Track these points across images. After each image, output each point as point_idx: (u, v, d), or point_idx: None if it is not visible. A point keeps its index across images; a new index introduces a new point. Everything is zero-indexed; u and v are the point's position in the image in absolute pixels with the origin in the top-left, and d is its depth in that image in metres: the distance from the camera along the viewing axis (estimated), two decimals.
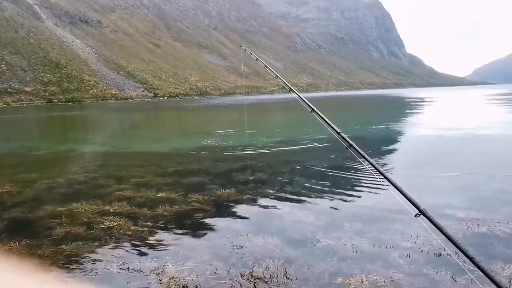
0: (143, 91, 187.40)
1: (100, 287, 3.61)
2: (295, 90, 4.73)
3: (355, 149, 3.34)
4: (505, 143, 12.61)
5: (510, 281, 3.39)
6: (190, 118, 37.16)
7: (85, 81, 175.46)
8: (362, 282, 3.47)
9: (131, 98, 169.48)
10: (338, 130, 3.58)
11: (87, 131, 27.35)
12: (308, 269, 3.75)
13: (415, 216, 2.43)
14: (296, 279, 3.57)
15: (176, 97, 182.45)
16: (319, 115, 3.87)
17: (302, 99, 4.33)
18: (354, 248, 4.21)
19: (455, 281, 3.44)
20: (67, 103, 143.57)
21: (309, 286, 3.47)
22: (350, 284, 3.44)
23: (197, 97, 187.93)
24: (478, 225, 4.72)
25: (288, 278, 3.58)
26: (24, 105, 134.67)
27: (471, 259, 2.07)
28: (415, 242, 4.26)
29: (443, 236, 2.23)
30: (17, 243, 4.61)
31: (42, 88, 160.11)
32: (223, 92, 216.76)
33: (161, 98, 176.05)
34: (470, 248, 3.89)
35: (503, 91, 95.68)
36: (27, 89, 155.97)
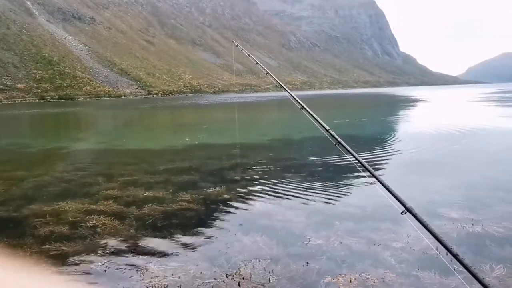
0: (137, 88, 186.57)
1: (83, 286, 3.54)
2: (285, 88, 4.68)
3: (344, 146, 3.30)
4: (497, 141, 12.64)
5: (500, 281, 3.36)
6: (183, 116, 37.00)
7: (78, 78, 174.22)
8: (350, 281, 3.43)
9: (124, 96, 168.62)
10: (327, 128, 3.55)
11: (79, 129, 27.12)
12: (295, 268, 3.70)
13: (401, 213, 2.42)
14: (282, 278, 3.52)
15: (170, 94, 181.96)
16: (309, 112, 3.84)
17: (293, 97, 4.29)
18: (343, 247, 4.16)
19: (444, 280, 3.40)
20: (59, 100, 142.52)
21: (295, 285, 3.41)
22: (338, 283, 3.39)
23: (191, 94, 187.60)
24: (472, 224, 4.69)
25: (274, 278, 3.52)
26: (16, 102, 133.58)
27: (455, 256, 2.07)
28: (405, 241, 4.22)
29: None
30: (1, 242, 4.53)
31: (35, 85, 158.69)
32: (217, 90, 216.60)
33: (155, 95, 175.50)
34: (459, 247, 3.86)
35: (492, 90, 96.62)
36: (20, 86, 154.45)
